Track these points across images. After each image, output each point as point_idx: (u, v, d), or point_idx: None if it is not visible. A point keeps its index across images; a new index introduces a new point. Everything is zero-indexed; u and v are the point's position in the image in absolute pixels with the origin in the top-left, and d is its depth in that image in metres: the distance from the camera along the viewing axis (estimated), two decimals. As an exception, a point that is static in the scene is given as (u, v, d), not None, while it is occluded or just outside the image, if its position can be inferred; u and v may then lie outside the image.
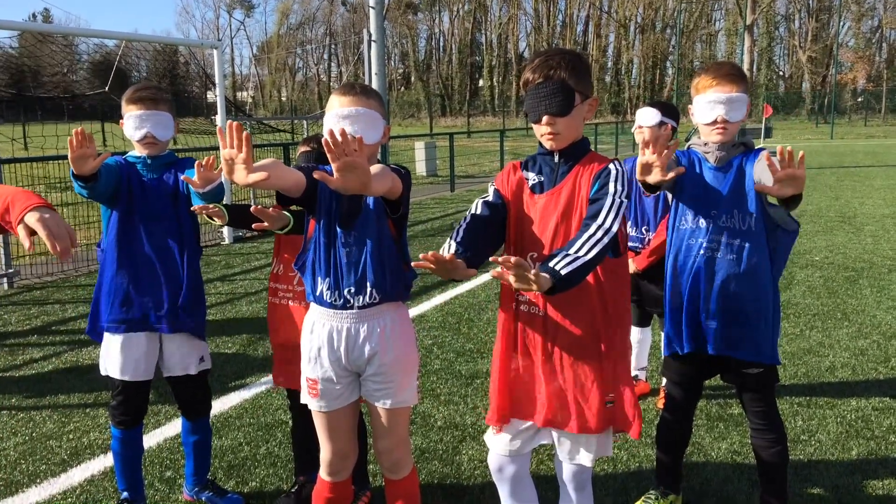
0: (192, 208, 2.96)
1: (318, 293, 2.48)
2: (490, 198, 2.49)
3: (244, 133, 1.95)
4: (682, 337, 2.88)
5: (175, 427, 4.11)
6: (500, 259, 2.00)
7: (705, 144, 2.84)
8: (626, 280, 2.49)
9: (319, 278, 2.46)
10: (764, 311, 2.80)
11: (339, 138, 1.91)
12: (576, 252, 2.16)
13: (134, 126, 2.95)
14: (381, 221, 2.42)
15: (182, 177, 2.88)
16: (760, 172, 2.63)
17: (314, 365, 2.53)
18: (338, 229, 2.42)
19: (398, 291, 2.50)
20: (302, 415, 3.23)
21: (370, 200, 2.42)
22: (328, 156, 1.95)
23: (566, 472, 2.57)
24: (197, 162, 2.76)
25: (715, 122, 2.75)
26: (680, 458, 3.20)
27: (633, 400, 2.46)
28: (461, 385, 4.78)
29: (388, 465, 2.63)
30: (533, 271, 2.03)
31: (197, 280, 3.12)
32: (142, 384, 3.09)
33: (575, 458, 2.51)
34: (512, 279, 2.04)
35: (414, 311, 6.50)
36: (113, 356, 3.04)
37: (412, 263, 2.18)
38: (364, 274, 2.42)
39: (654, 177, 2.54)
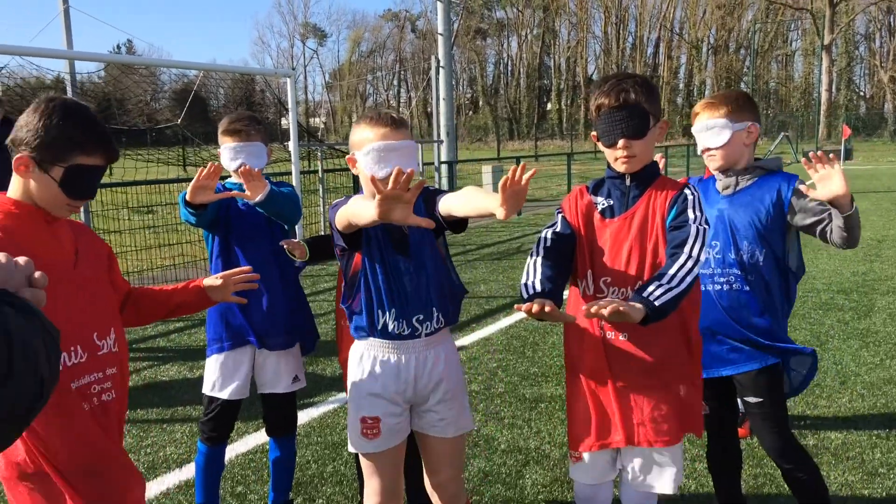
0: (280, 243, 3.08)
1: (380, 326, 2.40)
2: (559, 227, 2.46)
3: (419, 180, 1.97)
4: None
5: (247, 443, 4.23)
6: (592, 310, 2.02)
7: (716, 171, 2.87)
8: (699, 303, 2.48)
9: (380, 311, 2.39)
10: (773, 335, 2.76)
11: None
12: (668, 282, 2.16)
13: (229, 157, 3.09)
14: (433, 245, 2.42)
15: (232, 193, 3.00)
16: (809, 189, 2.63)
17: (376, 401, 2.46)
18: (396, 258, 2.37)
19: (455, 314, 2.51)
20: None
21: None
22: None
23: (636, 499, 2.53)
24: (243, 169, 2.89)
25: (704, 152, 2.80)
26: (736, 482, 3.11)
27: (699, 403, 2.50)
28: (525, 409, 4.77)
29: (445, 500, 2.57)
30: (623, 306, 2.03)
31: (293, 296, 3.23)
32: (236, 402, 3.19)
33: (653, 480, 2.46)
34: (606, 313, 2.02)
35: (479, 334, 6.52)
36: (214, 374, 3.15)
37: (518, 307, 2.11)
38: (429, 299, 2.41)
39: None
